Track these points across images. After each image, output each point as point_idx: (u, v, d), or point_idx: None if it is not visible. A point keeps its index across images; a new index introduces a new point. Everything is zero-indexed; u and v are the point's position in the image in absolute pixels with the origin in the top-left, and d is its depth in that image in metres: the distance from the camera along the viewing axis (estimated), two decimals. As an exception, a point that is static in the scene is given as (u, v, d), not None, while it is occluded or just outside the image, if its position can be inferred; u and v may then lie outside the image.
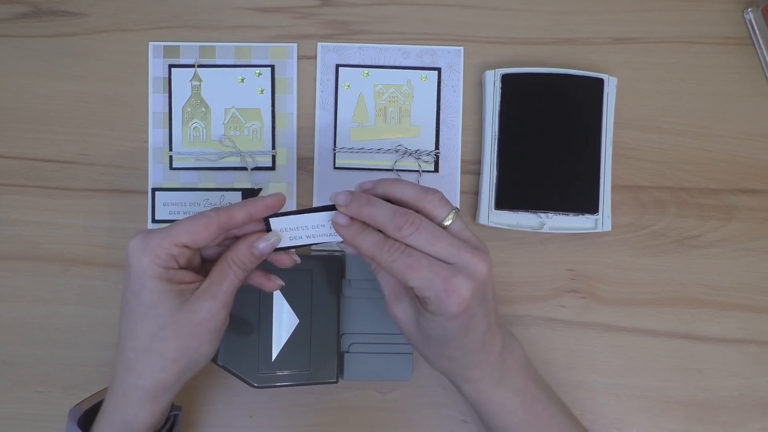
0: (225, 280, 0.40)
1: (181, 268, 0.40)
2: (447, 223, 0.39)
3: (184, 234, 0.39)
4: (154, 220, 0.53)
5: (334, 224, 0.40)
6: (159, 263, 0.38)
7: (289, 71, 0.53)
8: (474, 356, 0.42)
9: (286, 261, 0.43)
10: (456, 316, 0.38)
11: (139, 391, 0.40)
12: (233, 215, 0.40)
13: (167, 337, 0.39)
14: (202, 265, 0.43)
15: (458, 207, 0.42)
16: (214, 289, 0.39)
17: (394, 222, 0.38)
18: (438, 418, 0.52)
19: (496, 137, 0.52)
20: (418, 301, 0.40)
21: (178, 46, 0.53)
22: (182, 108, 0.53)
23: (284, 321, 0.47)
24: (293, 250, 0.43)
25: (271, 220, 0.41)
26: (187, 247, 0.39)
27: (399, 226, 0.38)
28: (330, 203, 0.41)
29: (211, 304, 0.39)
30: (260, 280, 0.43)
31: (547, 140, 0.52)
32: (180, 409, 0.46)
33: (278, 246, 0.41)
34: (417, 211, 0.39)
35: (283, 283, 0.44)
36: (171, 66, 0.53)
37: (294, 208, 0.53)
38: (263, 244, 0.40)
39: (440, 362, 0.43)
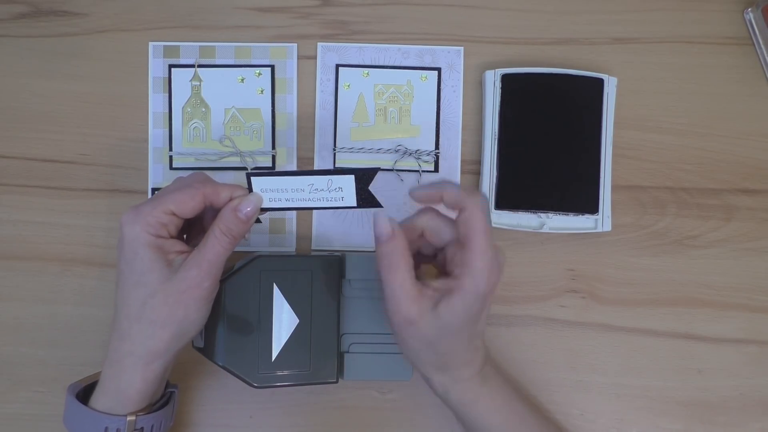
0: (210, 249, 0.41)
1: (171, 237, 0.41)
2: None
3: (172, 202, 0.41)
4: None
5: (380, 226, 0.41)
6: (150, 231, 0.40)
7: (289, 71, 0.53)
8: (469, 352, 0.43)
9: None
10: (484, 296, 0.40)
11: (132, 357, 0.41)
12: (218, 191, 0.42)
13: (156, 305, 0.40)
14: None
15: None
16: (199, 259, 0.41)
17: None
18: (438, 418, 0.52)
19: (496, 137, 0.52)
20: (450, 280, 0.41)
21: (178, 46, 0.53)
22: (182, 108, 0.53)
23: (284, 321, 0.47)
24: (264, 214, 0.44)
25: (253, 179, 0.42)
26: (175, 215, 0.41)
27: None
28: (311, 168, 0.42)
29: (195, 273, 0.40)
30: None
31: (547, 140, 0.52)
32: (176, 386, 0.46)
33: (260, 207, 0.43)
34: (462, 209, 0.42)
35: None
36: (171, 66, 0.53)
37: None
38: (248, 207, 0.42)
39: (438, 360, 0.43)
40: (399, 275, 0.40)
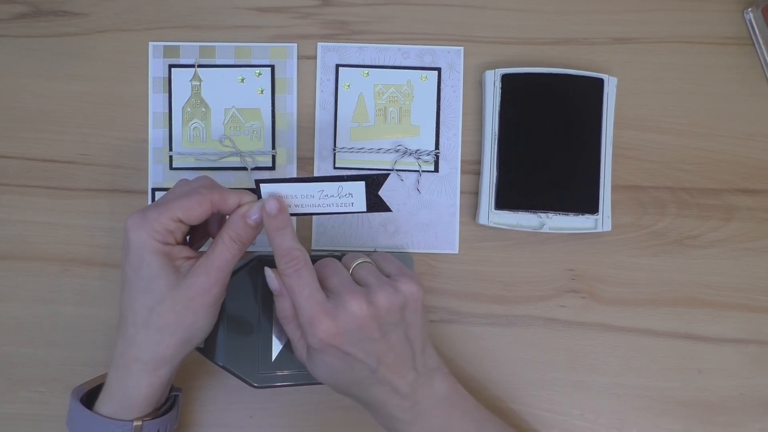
0: (218, 256, 0.41)
1: (177, 243, 0.41)
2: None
3: (179, 209, 0.40)
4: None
5: (263, 211, 0.41)
6: (157, 238, 0.40)
7: (289, 71, 0.53)
8: (371, 394, 0.42)
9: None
10: (319, 350, 0.40)
11: (139, 363, 0.41)
12: (226, 198, 0.41)
13: (164, 312, 0.40)
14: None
15: (370, 261, 0.44)
16: (207, 265, 0.40)
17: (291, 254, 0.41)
18: (438, 418, 0.52)
19: (496, 137, 0.52)
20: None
21: (178, 46, 0.53)
22: (182, 108, 0.53)
23: (284, 321, 0.47)
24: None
25: (262, 186, 0.42)
26: (181, 222, 0.40)
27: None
28: (326, 175, 0.41)
29: (204, 280, 0.40)
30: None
31: (547, 140, 0.52)
32: (180, 390, 0.46)
33: None
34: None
35: None
36: (171, 66, 0.53)
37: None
38: (257, 213, 0.41)
39: (348, 396, 0.44)
40: (289, 326, 0.43)
